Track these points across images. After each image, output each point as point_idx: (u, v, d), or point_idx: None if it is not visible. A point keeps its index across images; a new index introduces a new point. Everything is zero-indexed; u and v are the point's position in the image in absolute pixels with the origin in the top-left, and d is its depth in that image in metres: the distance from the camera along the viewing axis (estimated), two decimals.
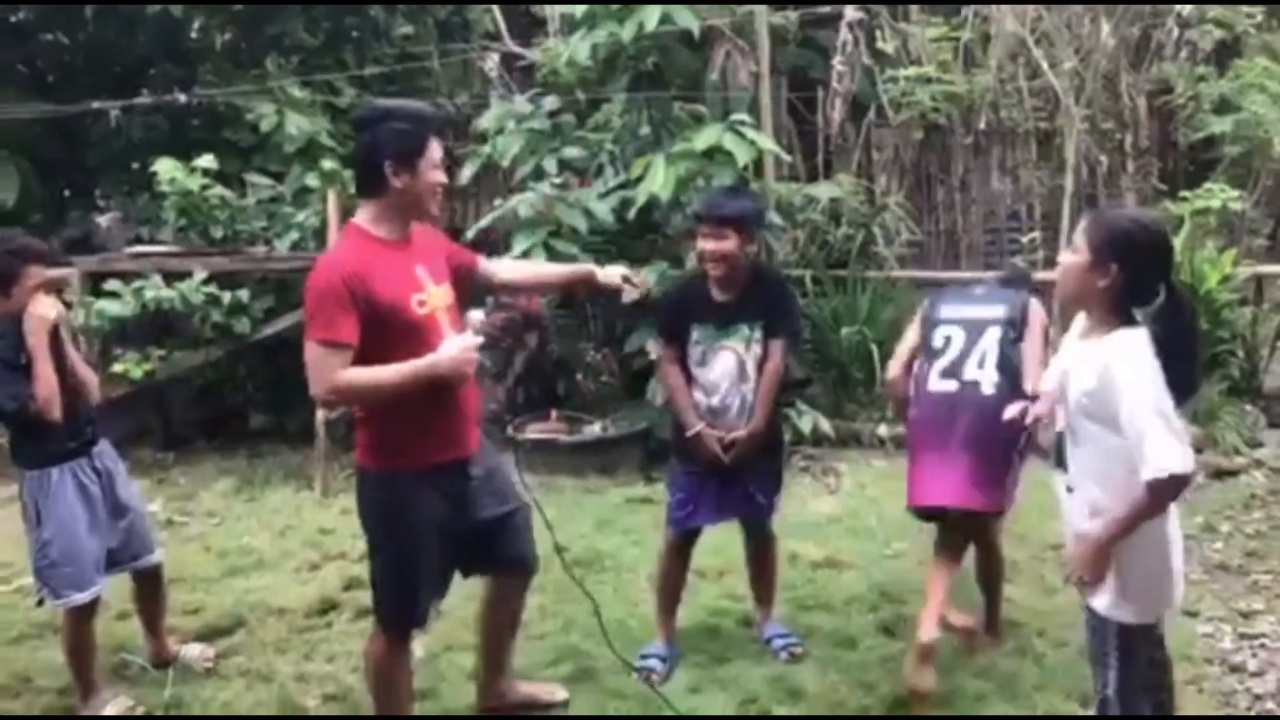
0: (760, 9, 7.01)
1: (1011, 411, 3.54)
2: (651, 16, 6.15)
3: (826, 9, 8.54)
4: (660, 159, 6.22)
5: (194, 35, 8.46)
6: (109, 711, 3.88)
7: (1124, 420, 2.61)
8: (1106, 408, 2.66)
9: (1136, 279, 2.70)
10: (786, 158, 7.51)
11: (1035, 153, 8.54)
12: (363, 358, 3.04)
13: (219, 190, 7.08)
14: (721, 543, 4.56)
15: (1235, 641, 4.24)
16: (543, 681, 3.97)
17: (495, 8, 9.35)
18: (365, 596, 4.75)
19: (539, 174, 6.70)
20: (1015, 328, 3.86)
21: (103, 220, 7.44)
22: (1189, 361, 2.78)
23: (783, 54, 8.13)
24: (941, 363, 3.88)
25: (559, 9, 8.06)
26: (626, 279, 3.74)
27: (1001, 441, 3.76)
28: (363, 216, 3.20)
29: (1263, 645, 4.20)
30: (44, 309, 3.68)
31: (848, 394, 7.10)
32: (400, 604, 3.35)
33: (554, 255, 6.16)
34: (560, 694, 3.90)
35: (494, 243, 6.86)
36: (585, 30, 6.54)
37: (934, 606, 3.80)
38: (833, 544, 5.19)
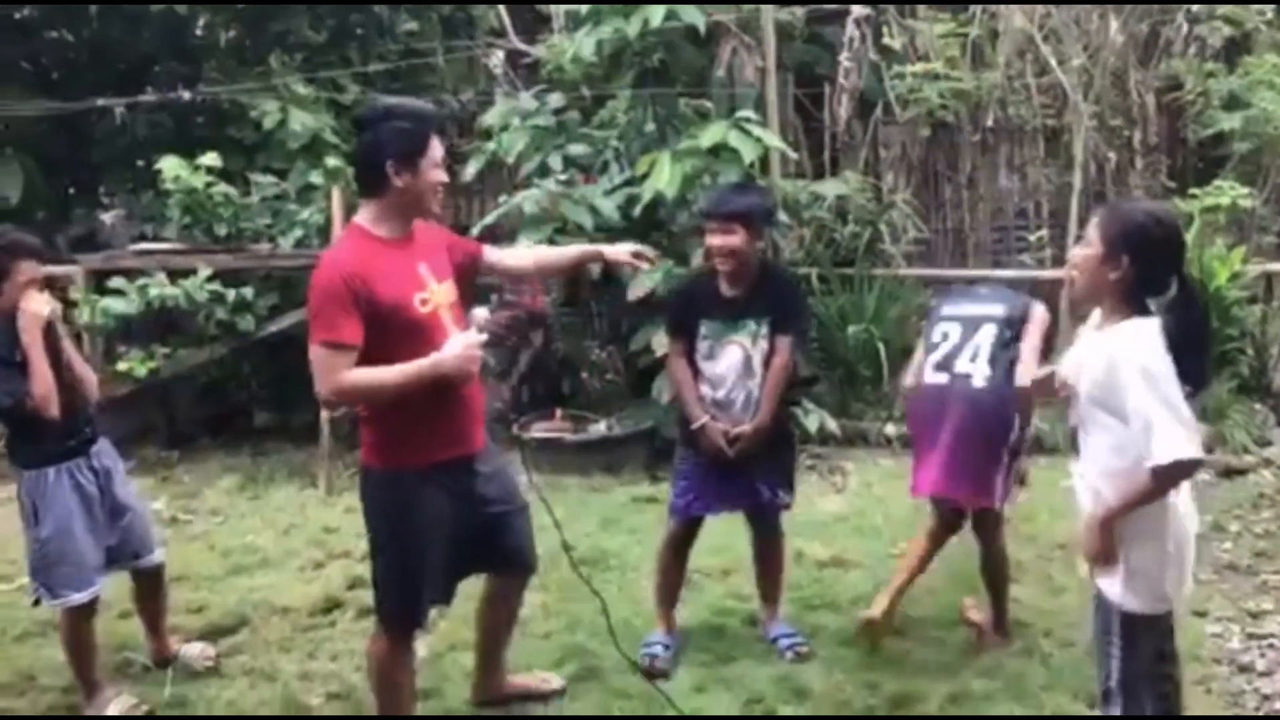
0: (766, 5, 6.99)
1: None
2: (657, 13, 6.13)
3: (833, 5, 8.50)
4: (666, 156, 6.20)
5: (198, 32, 8.46)
6: (112, 710, 3.86)
7: (1130, 408, 2.63)
8: (1114, 396, 2.68)
9: (1148, 271, 2.72)
10: (793, 155, 7.48)
11: (1043, 150, 8.49)
12: (366, 357, 3.03)
13: (223, 188, 7.08)
14: (726, 542, 4.54)
15: (1244, 641, 4.22)
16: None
17: (500, 5, 9.33)
18: (369, 595, 4.73)
19: (544, 171, 6.68)
20: (1013, 326, 3.92)
21: (107, 218, 7.45)
22: (1201, 354, 2.79)
23: (789, 50, 8.10)
24: (936, 356, 3.98)
25: (564, 6, 8.04)
26: (637, 254, 3.75)
27: (989, 436, 3.84)
28: (364, 216, 3.19)
29: (1271, 645, 4.17)
30: (37, 306, 3.66)
31: (854, 392, 7.08)
32: (403, 603, 3.34)
33: None
34: (555, 682, 3.91)
35: (499, 239, 6.83)
36: (590, 26, 6.52)
37: (890, 589, 4.08)
38: (839, 543, 5.18)
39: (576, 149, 6.82)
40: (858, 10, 8.17)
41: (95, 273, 6.89)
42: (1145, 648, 2.83)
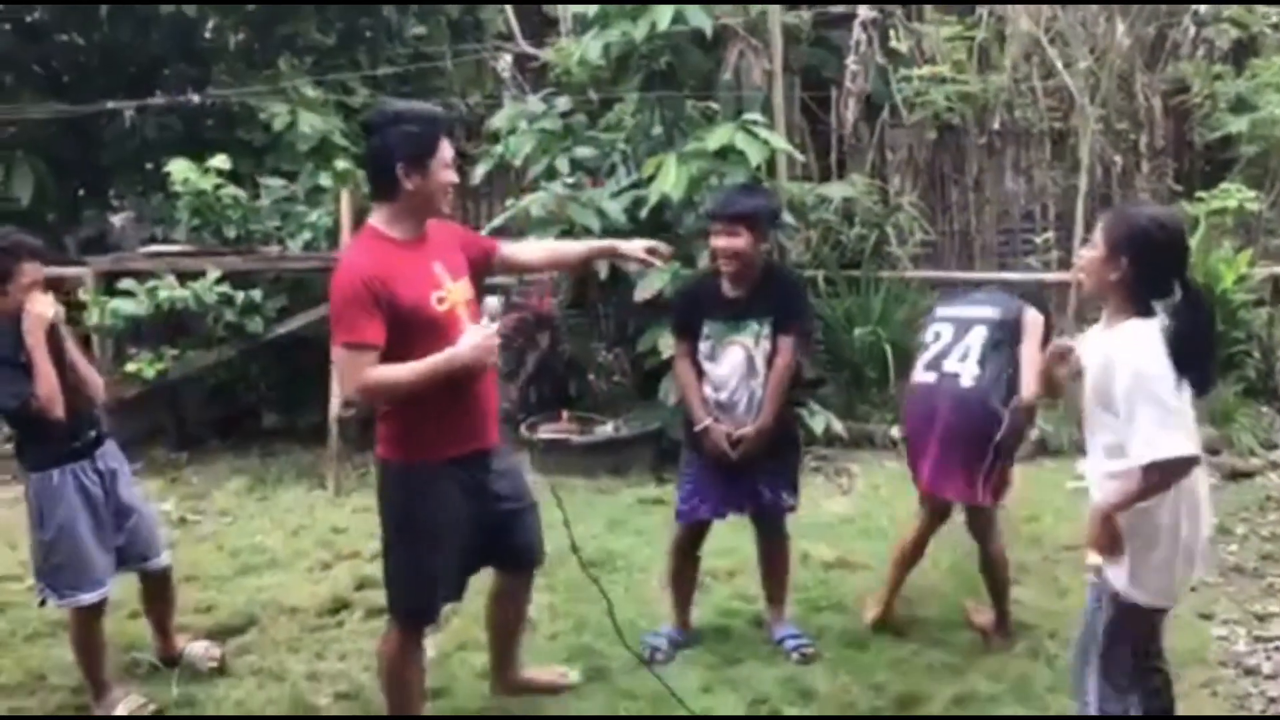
0: (773, 8, 7.00)
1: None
2: (664, 16, 6.15)
3: (840, 8, 8.51)
4: (672, 158, 6.21)
5: (208, 35, 8.49)
6: (120, 710, 3.88)
7: (1122, 407, 2.70)
8: (1110, 395, 2.75)
9: (1147, 274, 2.77)
10: (799, 157, 7.50)
11: (1049, 153, 8.50)
12: (385, 356, 3.09)
13: (232, 190, 7.10)
14: (732, 543, 4.56)
15: (1250, 644, 4.22)
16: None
17: (508, 8, 9.36)
18: (377, 596, 4.76)
19: (551, 173, 6.70)
20: (1004, 329, 3.96)
21: (117, 220, 7.48)
22: (1206, 358, 2.82)
23: (796, 54, 8.10)
24: (927, 356, 4.06)
25: (571, 9, 8.07)
26: (651, 250, 3.77)
27: (976, 434, 3.89)
28: (377, 218, 3.24)
29: (1277, 648, 4.17)
30: (42, 307, 3.66)
31: (861, 394, 7.08)
32: (416, 598, 3.37)
33: None
34: (571, 676, 3.94)
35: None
36: (598, 30, 6.54)
37: (886, 585, 4.25)
38: (845, 545, 5.18)
39: (583, 152, 6.84)
40: (864, 13, 8.17)
41: (105, 274, 6.92)
42: (1130, 636, 2.91)
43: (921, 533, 4.23)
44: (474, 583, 3.62)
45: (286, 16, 8.16)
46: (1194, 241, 6.95)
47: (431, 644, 4.30)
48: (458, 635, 4.26)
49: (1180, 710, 3.20)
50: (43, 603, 3.92)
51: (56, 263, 7.02)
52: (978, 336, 3.97)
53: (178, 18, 7.72)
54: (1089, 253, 2.88)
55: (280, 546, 5.48)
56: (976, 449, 3.91)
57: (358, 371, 3.07)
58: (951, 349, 4.00)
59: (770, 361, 3.96)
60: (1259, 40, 8.16)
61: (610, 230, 6.36)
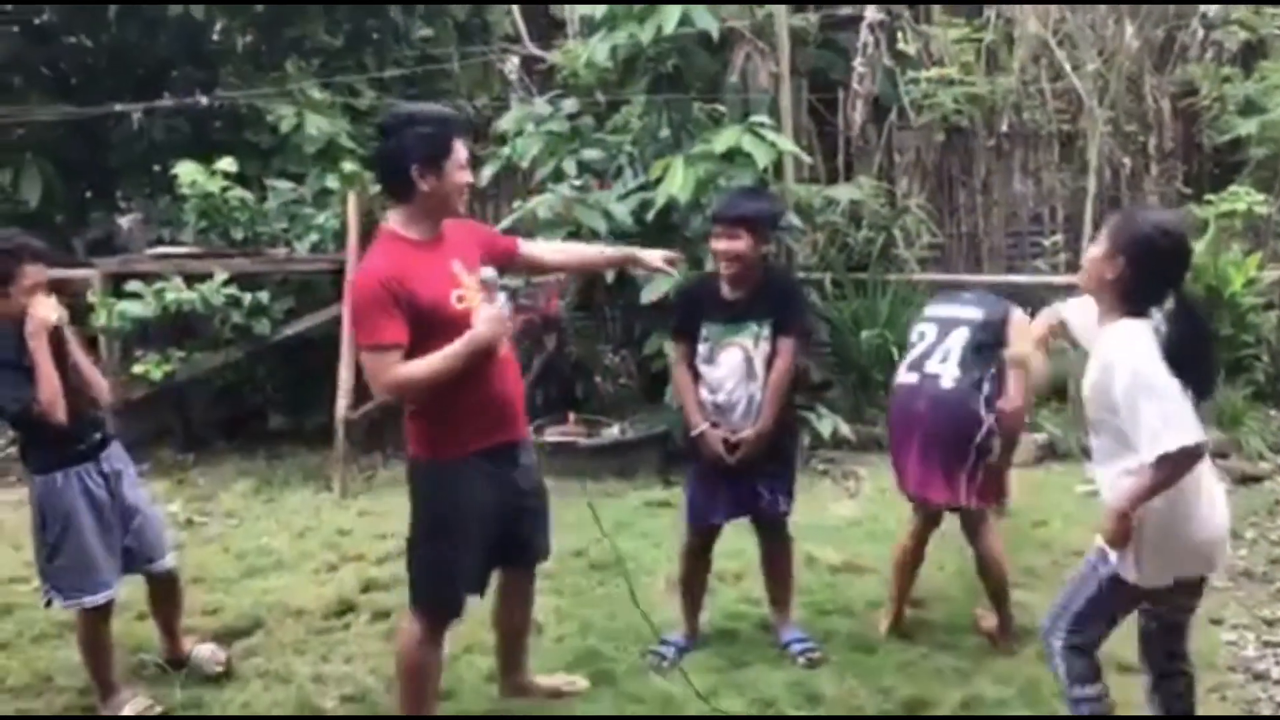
0: (780, 10, 6.99)
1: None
2: (671, 18, 6.14)
3: (847, 10, 8.51)
4: (679, 161, 6.21)
5: (215, 38, 8.51)
6: (127, 711, 3.88)
7: (1124, 405, 2.74)
8: (1109, 396, 2.79)
9: (1142, 278, 2.82)
10: (807, 159, 7.48)
11: (1058, 155, 8.49)
12: (408, 356, 3.14)
13: (239, 192, 7.11)
14: (739, 546, 4.54)
15: (1259, 649, 4.19)
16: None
17: (515, 10, 9.36)
18: (383, 598, 4.79)
19: (558, 176, 6.70)
20: (988, 331, 3.95)
21: (124, 222, 7.50)
22: (1203, 365, 2.86)
23: (803, 56, 8.10)
24: (909, 357, 4.08)
25: (578, 11, 8.06)
26: (669, 260, 3.81)
27: (956, 436, 3.90)
28: (394, 220, 3.29)
29: None
30: (44, 311, 3.65)
31: (868, 397, 7.07)
32: (440, 593, 3.39)
33: None
34: (581, 683, 3.94)
35: None
36: (605, 32, 6.54)
37: (892, 597, 4.26)
38: (852, 548, 5.16)
39: (591, 154, 6.84)
40: (872, 16, 8.17)
41: (112, 276, 6.94)
42: (1111, 611, 3.01)
43: (916, 537, 4.23)
44: None
45: (294, 19, 8.17)
46: (1203, 244, 6.94)
47: None
48: (464, 638, 4.24)
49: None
50: (49, 603, 3.91)
51: (64, 264, 7.05)
52: (959, 338, 3.98)
53: (186, 20, 7.74)
54: (1093, 249, 2.94)
55: (286, 548, 5.49)
56: (955, 451, 3.92)
57: (384, 371, 3.12)
58: (934, 350, 4.01)
59: (769, 364, 3.95)
60: (1268, 43, 8.14)
61: (617, 232, 6.36)
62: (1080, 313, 3.19)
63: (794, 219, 6.69)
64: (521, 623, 3.83)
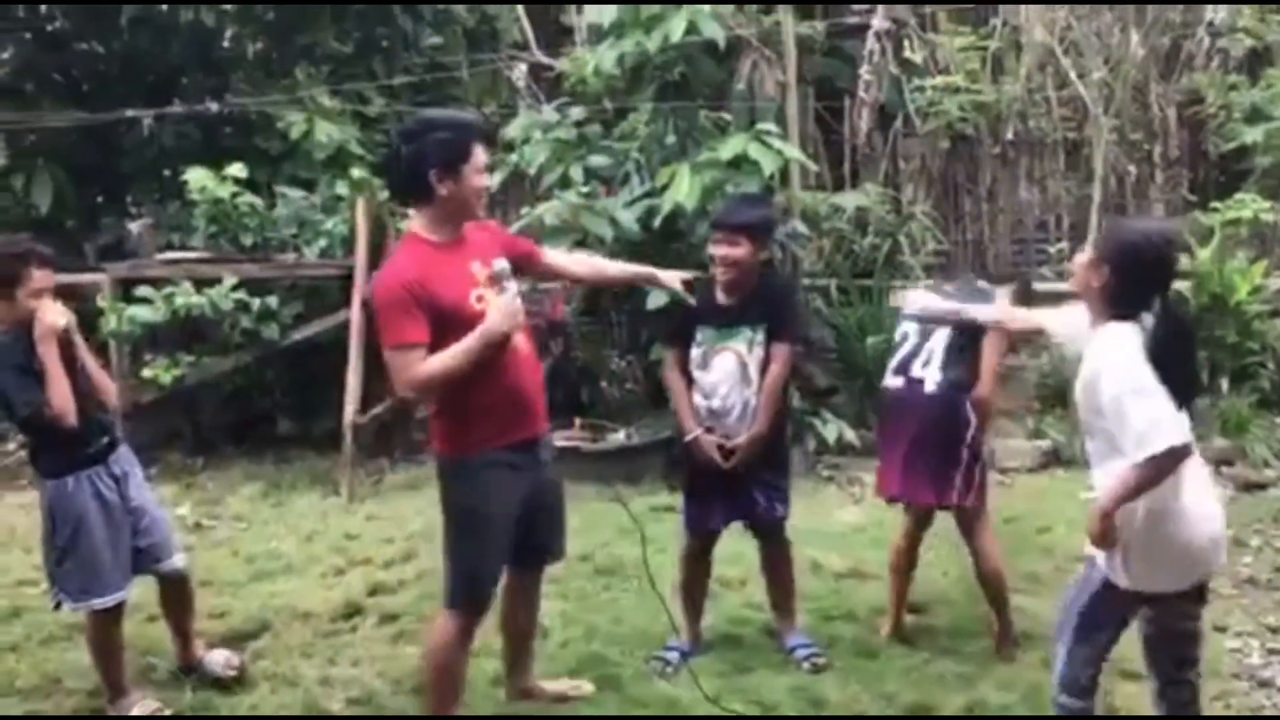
0: (787, 19, 7.02)
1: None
2: (678, 27, 6.16)
3: (854, 19, 8.53)
4: (686, 168, 6.23)
5: (226, 44, 8.56)
6: (135, 713, 3.90)
7: (1109, 408, 2.79)
8: (1096, 398, 2.85)
9: (1126, 284, 2.88)
10: (813, 167, 7.51)
11: (1063, 163, 8.50)
12: (429, 355, 3.21)
13: (249, 198, 7.15)
14: (742, 551, 4.55)
15: (1264, 657, 4.19)
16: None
17: (523, 18, 9.40)
18: (390, 602, 4.81)
19: (565, 183, 6.71)
20: (967, 333, 3.96)
21: (135, 227, 7.52)
22: (1185, 369, 2.90)
23: (809, 64, 8.12)
24: (894, 360, 4.11)
25: (586, 19, 8.10)
26: (687, 283, 3.86)
27: (945, 439, 3.95)
28: (417, 223, 3.37)
29: None
30: (53, 316, 3.69)
31: (873, 403, 7.05)
32: (477, 588, 3.43)
33: None
34: (586, 688, 3.95)
35: None
36: (612, 40, 6.56)
37: (891, 603, 4.28)
38: (856, 554, 5.17)
39: (597, 161, 6.86)
40: (878, 23, 8.19)
41: (122, 281, 6.98)
42: (1109, 620, 3.03)
43: (908, 538, 4.25)
44: None
45: (304, 26, 8.22)
46: (1208, 252, 6.94)
47: None
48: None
49: None
50: (57, 606, 3.93)
51: (74, 269, 7.10)
52: (940, 340, 4.00)
53: (197, 27, 7.79)
54: (1083, 256, 3.01)
55: (294, 552, 5.51)
56: (944, 453, 3.96)
57: (407, 370, 3.20)
58: (917, 353, 4.04)
59: (764, 369, 3.97)
60: (1273, 50, 8.15)
61: (623, 239, 6.38)
62: (1069, 318, 3.25)
63: (800, 226, 6.70)
64: (528, 626, 3.85)
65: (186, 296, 6.64)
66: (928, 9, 8.56)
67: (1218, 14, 8.01)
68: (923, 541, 4.28)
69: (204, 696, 4.06)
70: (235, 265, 6.96)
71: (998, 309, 3.96)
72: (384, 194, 7.12)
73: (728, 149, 6.16)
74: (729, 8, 6.52)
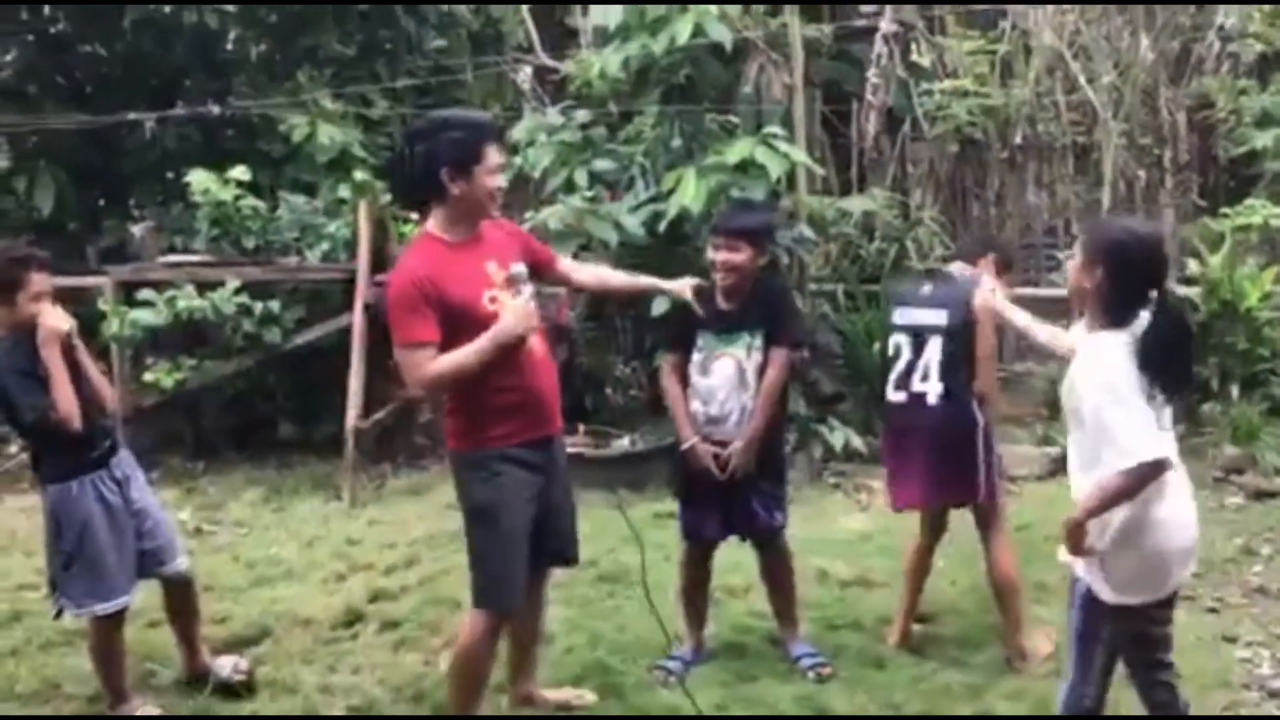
0: (794, 21, 6.98)
1: None
2: (684, 29, 6.13)
3: (862, 22, 8.50)
4: (692, 172, 6.20)
5: (229, 47, 8.55)
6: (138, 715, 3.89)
7: (1089, 418, 2.82)
8: (1079, 410, 2.87)
9: (1120, 283, 2.87)
10: (820, 171, 7.47)
11: (1072, 167, 8.45)
12: (441, 354, 3.22)
13: (251, 201, 7.13)
14: (744, 559, 4.51)
15: (1274, 667, 4.14)
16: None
17: (528, 20, 9.38)
18: (391, 608, 4.78)
19: (570, 186, 6.68)
20: (959, 334, 3.98)
21: (137, 230, 7.53)
22: (1177, 363, 2.89)
23: (817, 67, 8.09)
24: (893, 374, 4.10)
25: (592, 22, 8.07)
26: (697, 290, 3.87)
27: (958, 445, 3.98)
28: (433, 222, 3.39)
29: None
30: (56, 321, 3.69)
31: (880, 411, 7.02)
32: (504, 586, 3.42)
33: None
34: (588, 697, 3.94)
35: None
36: (618, 43, 6.53)
37: (901, 610, 4.27)
38: (863, 562, 5.13)
39: (602, 164, 6.83)
40: (886, 27, 8.16)
41: (124, 284, 6.96)
42: (1102, 623, 3.01)
43: (924, 547, 4.25)
44: None
45: (307, 28, 8.21)
46: (1219, 258, 6.89)
47: (446, 659, 4.28)
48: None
49: None
50: (59, 613, 3.92)
51: (76, 272, 7.08)
52: (934, 350, 4.00)
53: (200, 29, 7.78)
54: (1072, 260, 3.02)
55: (295, 558, 5.48)
56: (961, 456, 3.98)
57: (417, 368, 3.22)
58: (914, 366, 4.03)
59: (761, 374, 3.95)
60: None
61: (628, 243, 6.35)
62: (1060, 335, 3.32)
63: (806, 230, 6.67)
64: (533, 631, 3.83)
65: (188, 300, 6.63)
66: (935, 11, 8.52)
67: (1228, 18, 7.96)
68: (940, 541, 4.29)
69: (204, 703, 4.03)
70: (237, 268, 6.94)
71: (979, 298, 3.97)
72: (387, 197, 7.10)
73: (734, 153, 6.13)
74: (736, 10, 6.48)
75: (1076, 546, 2.88)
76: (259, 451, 7.37)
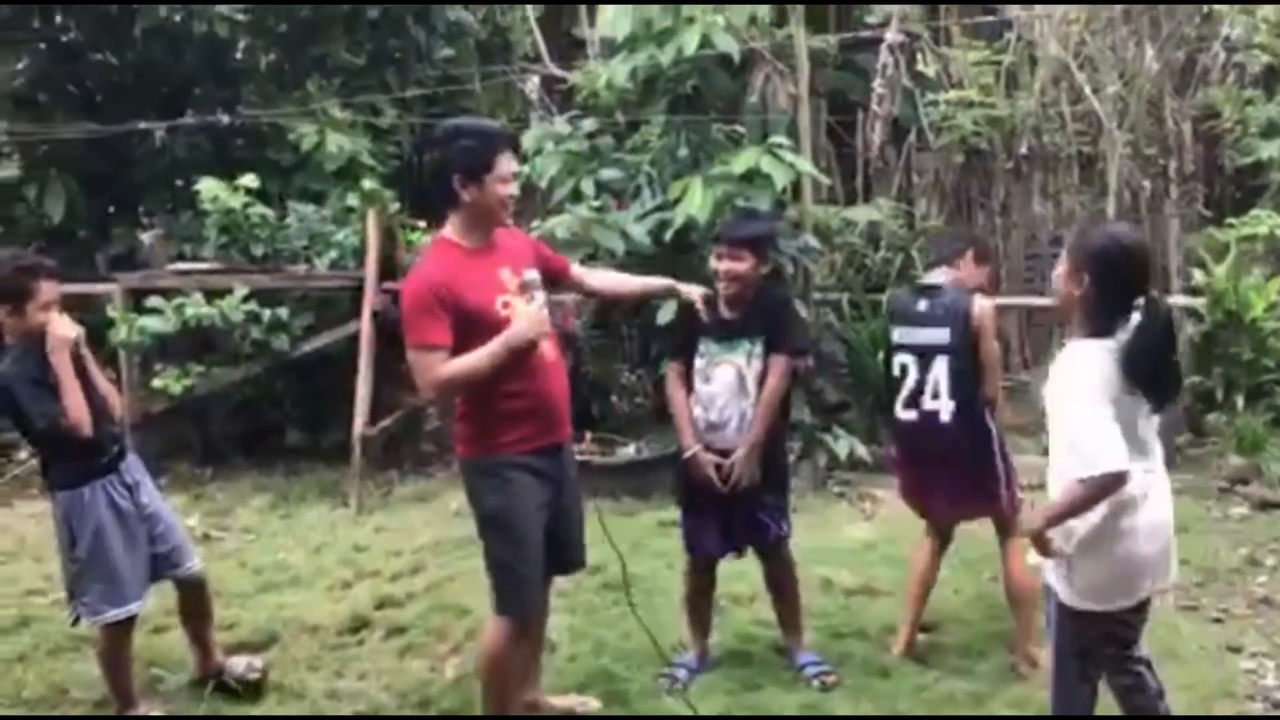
0: (800, 32, 7.00)
1: None
2: (691, 40, 6.16)
3: (868, 32, 8.52)
4: (698, 181, 6.21)
5: (238, 56, 8.58)
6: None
7: (1057, 425, 2.86)
8: (1052, 416, 2.91)
9: (1105, 290, 2.88)
10: (825, 181, 7.48)
11: (1077, 177, 8.46)
12: (453, 358, 3.26)
13: (260, 209, 7.16)
14: (749, 568, 4.52)
15: (1279, 678, 4.14)
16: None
17: (536, 30, 9.41)
18: (397, 615, 4.80)
19: (577, 195, 6.71)
20: (963, 351, 4.01)
21: (146, 237, 7.55)
22: (1158, 374, 2.89)
23: (822, 77, 8.10)
24: (902, 393, 4.12)
25: (599, 32, 8.10)
26: (706, 298, 3.92)
27: (976, 458, 4.02)
28: (449, 228, 3.44)
29: None
30: (64, 328, 3.72)
31: (884, 420, 7.03)
32: (521, 585, 3.45)
33: None
34: (592, 704, 3.96)
35: None
36: (625, 53, 6.56)
37: (907, 617, 4.27)
38: (867, 571, 5.14)
39: (609, 174, 6.84)
40: (891, 37, 8.17)
41: (133, 291, 6.99)
42: (1071, 635, 3.03)
43: (933, 556, 4.28)
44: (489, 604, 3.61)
45: (317, 37, 8.24)
46: (1224, 268, 6.90)
47: (452, 665, 4.31)
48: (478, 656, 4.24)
49: None
50: (76, 620, 3.93)
51: (86, 280, 7.12)
52: (941, 369, 4.03)
53: (210, 38, 7.82)
54: (1058, 268, 3.03)
55: (302, 564, 5.51)
56: (979, 468, 4.02)
57: (429, 371, 3.25)
58: (923, 385, 4.06)
59: (761, 381, 3.97)
60: None
61: (635, 253, 6.37)
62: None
63: (812, 240, 6.68)
64: (537, 637, 3.84)
65: (197, 307, 6.65)
66: (941, 22, 8.54)
67: (1234, 29, 7.97)
68: (947, 550, 4.33)
69: (211, 707, 4.06)
70: (246, 276, 6.97)
71: (977, 309, 4.02)
72: (395, 206, 7.12)
73: (740, 162, 6.15)
74: (742, 21, 6.49)
75: (1043, 550, 2.91)
76: (267, 458, 7.39)
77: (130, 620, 3.89)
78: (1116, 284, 2.88)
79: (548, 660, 4.08)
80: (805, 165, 6.46)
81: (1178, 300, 6.85)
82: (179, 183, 8.15)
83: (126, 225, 8.33)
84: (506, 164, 3.38)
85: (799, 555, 4.29)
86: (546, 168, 6.83)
